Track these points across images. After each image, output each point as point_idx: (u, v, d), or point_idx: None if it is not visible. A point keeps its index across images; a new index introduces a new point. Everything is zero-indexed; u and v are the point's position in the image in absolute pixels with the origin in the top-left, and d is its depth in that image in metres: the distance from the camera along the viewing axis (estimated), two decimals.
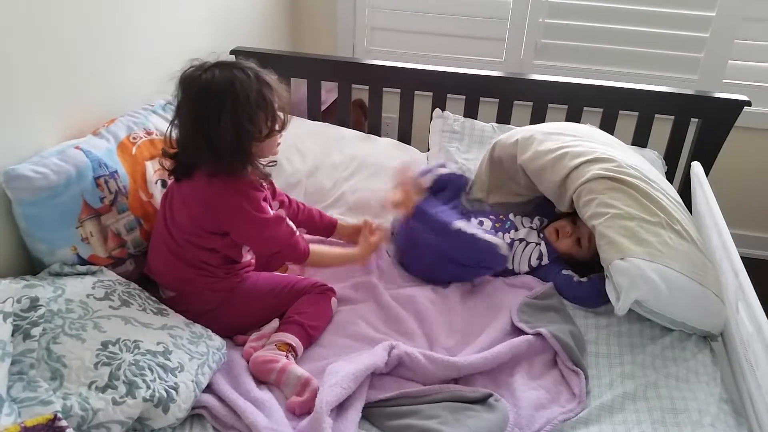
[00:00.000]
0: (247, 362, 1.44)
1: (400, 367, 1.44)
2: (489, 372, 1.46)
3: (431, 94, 2.36)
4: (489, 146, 1.99)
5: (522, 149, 1.85)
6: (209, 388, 1.35)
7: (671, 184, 2.20)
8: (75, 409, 1.12)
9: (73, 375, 1.18)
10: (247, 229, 1.49)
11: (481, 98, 2.35)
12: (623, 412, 1.38)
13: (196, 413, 1.32)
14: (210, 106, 1.38)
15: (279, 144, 1.54)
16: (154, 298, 1.48)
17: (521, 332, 1.56)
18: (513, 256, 1.82)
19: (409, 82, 2.35)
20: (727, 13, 2.54)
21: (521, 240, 1.83)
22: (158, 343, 1.30)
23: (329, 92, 2.70)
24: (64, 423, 1.03)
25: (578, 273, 1.76)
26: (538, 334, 1.53)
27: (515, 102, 2.33)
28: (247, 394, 1.34)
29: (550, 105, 2.30)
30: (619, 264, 1.53)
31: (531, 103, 2.32)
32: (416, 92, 2.37)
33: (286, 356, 1.43)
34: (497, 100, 2.35)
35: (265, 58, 2.35)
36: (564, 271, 1.76)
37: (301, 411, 1.31)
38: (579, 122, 2.17)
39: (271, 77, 1.46)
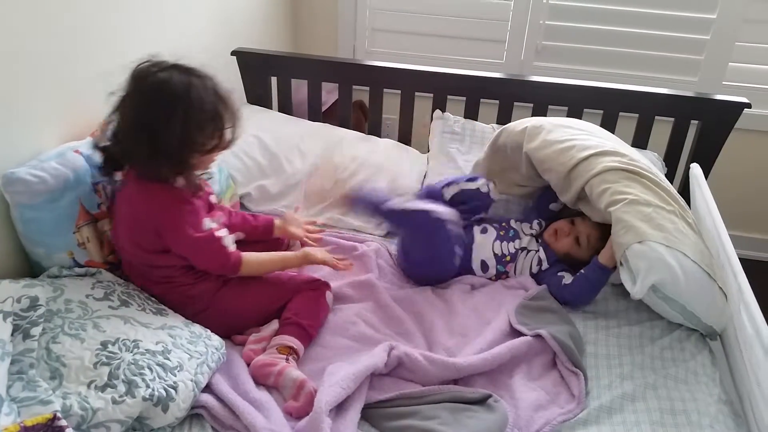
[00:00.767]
0: (248, 365, 1.44)
1: (399, 367, 1.44)
2: (488, 373, 1.47)
3: (431, 95, 2.37)
4: (495, 133, 1.98)
5: (530, 137, 1.85)
6: (208, 388, 1.35)
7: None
8: (74, 408, 1.12)
9: (73, 374, 1.18)
10: (179, 245, 1.45)
11: (482, 100, 2.35)
12: (622, 413, 1.39)
13: (195, 413, 1.32)
14: (161, 106, 1.34)
15: (214, 161, 1.50)
16: (153, 298, 1.48)
17: (520, 333, 1.56)
18: (515, 266, 1.82)
19: (410, 83, 2.35)
20: (727, 16, 2.54)
21: (523, 249, 1.83)
22: (157, 343, 1.30)
23: (330, 93, 2.70)
24: (63, 422, 1.04)
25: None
26: (538, 336, 1.53)
27: (515, 103, 2.34)
28: (246, 394, 1.34)
29: (550, 106, 2.31)
30: (637, 247, 1.52)
31: (531, 105, 2.32)
32: (417, 93, 2.37)
33: (287, 359, 1.43)
34: (497, 101, 2.35)
35: (266, 59, 2.38)
36: (559, 273, 1.76)
37: (297, 416, 1.32)
38: None
39: (225, 91, 1.42)
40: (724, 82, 2.65)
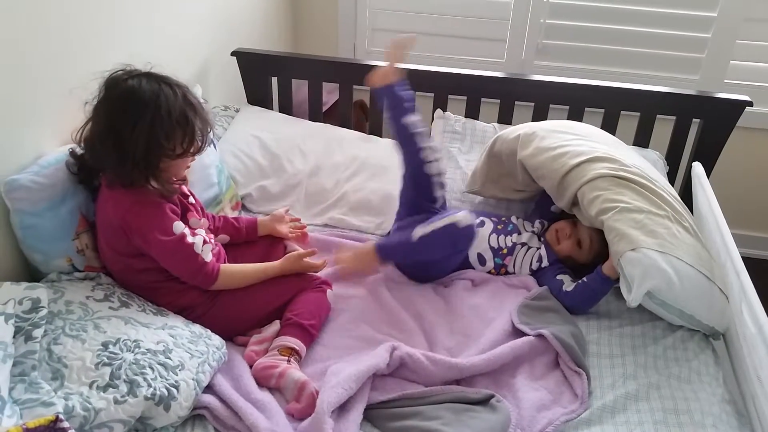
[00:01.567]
0: (250, 366, 1.44)
1: (402, 368, 1.44)
2: (491, 373, 1.46)
3: (432, 94, 2.36)
4: (490, 140, 1.99)
5: (523, 145, 1.85)
6: (210, 389, 1.35)
7: (672, 184, 2.21)
8: (77, 409, 1.12)
9: (74, 375, 1.18)
10: (149, 249, 1.43)
11: (483, 99, 2.35)
12: (625, 412, 1.38)
13: (197, 413, 1.32)
14: (129, 112, 1.36)
15: (188, 167, 1.50)
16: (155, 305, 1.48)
17: (522, 333, 1.56)
18: (514, 261, 1.82)
19: (411, 82, 2.33)
20: (728, 14, 2.54)
21: (523, 244, 1.83)
22: (158, 342, 1.30)
23: (330, 93, 2.70)
24: (66, 425, 1.03)
25: (580, 274, 1.75)
26: (540, 335, 1.53)
27: (516, 102, 2.33)
28: (248, 395, 1.34)
29: (551, 105, 2.30)
30: (630, 255, 1.52)
31: (532, 104, 2.31)
32: (417, 93, 2.36)
33: (289, 360, 1.43)
34: (498, 100, 2.35)
35: (267, 59, 2.38)
36: (558, 276, 1.75)
37: (299, 417, 1.31)
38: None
39: (196, 99, 1.44)
40: (725, 80, 2.64)
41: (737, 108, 2.17)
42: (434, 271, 1.78)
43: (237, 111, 2.37)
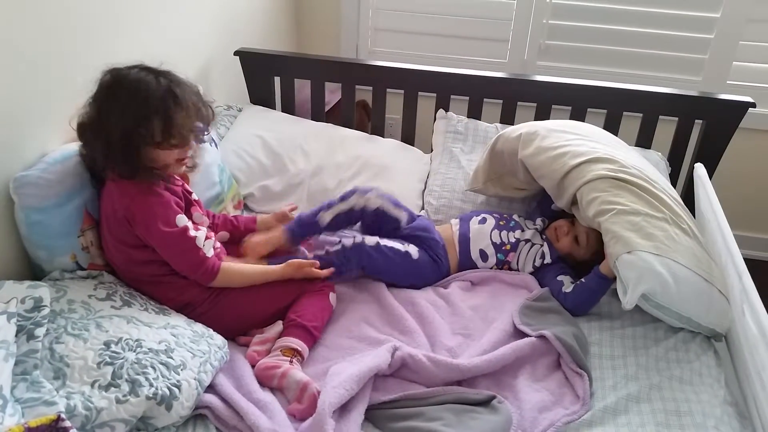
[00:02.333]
0: (252, 366, 1.44)
1: (403, 368, 1.44)
2: (492, 374, 1.46)
3: (435, 94, 2.36)
4: (492, 139, 1.99)
5: (524, 144, 1.85)
6: (212, 389, 1.35)
7: (675, 185, 2.21)
8: (79, 408, 1.12)
9: (76, 374, 1.18)
10: (151, 240, 1.44)
11: (485, 99, 2.35)
12: (627, 414, 1.38)
13: (199, 413, 1.32)
14: (111, 97, 1.38)
15: (183, 161, 1.48)
16: (155, 299, 1.48)
17: (524, 334, 1.56)
18: (518, 257, 1.82)
19: (413, 83, 2.35)
20: (731, 15, 2.53)
21: (527, 241, 1.83)
22: (160, 342, 1.30)
23: (333, 93, 2.70)
24: (67, 424, 1.04)
25: (581, 274, 1.76)
26: (542, 336, 1.53)
27: (519, 103, 2.33)
28: (249, 395, 1.34)
29: (553, 106, 2.30)
30: (626, 258, 1.52)
31: (535, 105, 2.31)
32: (420, 93, 2.37)
33: (291, 361, 1.43)
34: (501, 101, 2.35)
35: (269, 59, 2.38)
36: (560, 276, 1.75)
37: (300, 417, 1.32)
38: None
39: (188, 95, 1.43)
40: (728, 82, 2.64)
41: (740, 109, 2.16)
42: (413, 278, 1.77)
43: (240, 110, 2.37)
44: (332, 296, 1.63)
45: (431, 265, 1.78)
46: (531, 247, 1.82)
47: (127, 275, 1.50)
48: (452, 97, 2.36)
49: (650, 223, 1.58)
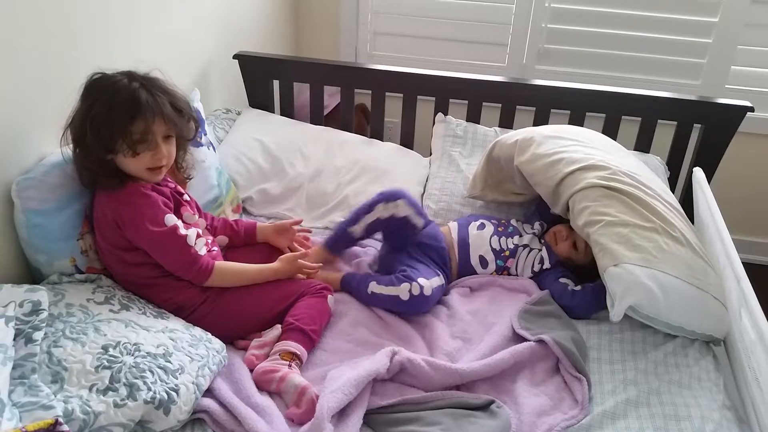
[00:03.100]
0: (250, 370, 1.43)
1: (402, 373, 1.44)
2: (491, 378, 1.46)
3: (434, 98, 2.37)
4: (489, 145, 1.99)
5: (520, 151, 1.86)
6: (210, 393, 1.35)
7: (673, 189, 2.21)
8: (76, 412, 1.12)
9: (74, 378, 1.18)
10: (141, 241, 1.44)
11: (484, 103, 2.35)
12: (626, 418, 1.38)
13: (197, 418, 1.32)
14: (81, 103, 1.40)
15: (156, 170, 1.45)
16: (153, 303, 1.48)
17: (522, 338, 1.56)
18: (517, 262, 1.82)
19: (412, 86, 2.35)
20: (729, 19, 2.54)
21: (525, 246, 1.83)
22: (158, 346, 1.30)
23: (332, 97, 2.70)
24: (65, 428, 1.03)
25: (580, 279, 1.76)
26: (540, 341, 1.53)
27: (518, 107, 2.33)
28: (248, 399, 1.33)
29: (552, 110, 2.31)
30: (612, 270, 1.53)
31: (533, 108, 2.32)
32: (419, 97, 2.37)
33: (289, 365, 1.42)
34: (500, 105, 2.35)
35: (268, 63, 2.38)
36: (561, 279, 1.75)
37: (299, 422, 1.31)
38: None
39: (149, 100, 1.39)
40: (726, 86, 2.65)
41: (738, 113, 2.17)
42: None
43: (238, 114, 2.38)
44: (331, 299, 1.62)
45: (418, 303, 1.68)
46: (529, 252, 1.82)
47: (122, 278, 1.49)
48: (451, 100, 2.37)
49: (639, 234, 1.58)
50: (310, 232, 1.87)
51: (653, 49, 2.65)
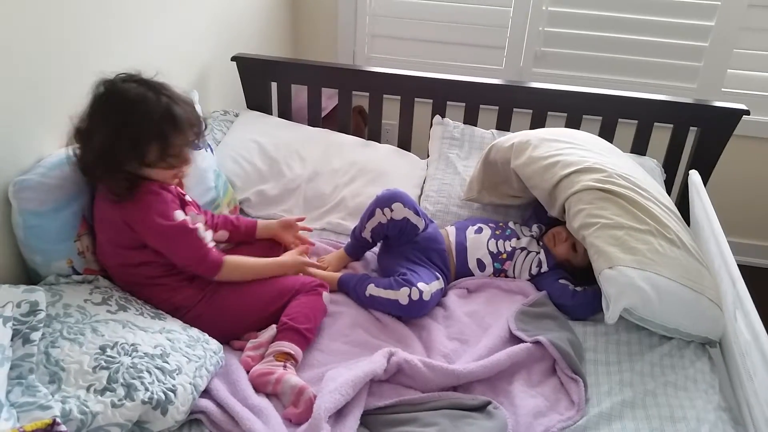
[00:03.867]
0: (247, 372, 1.43)
1: (399, 374, 1.44)
2: (488, 379, 1.46)
3: (431, 101, 2.37)
4: (486, 148, 2.00)
5: (516, 154, 1.87)
6: (207, 394, 1.35)
7: (669, 192, 2.22)
8: (74, 412, 1.12)
9: (72, 378, 1.18)
10: (152, 238, 1.45)
11: (481, 105, 2.36)
12: (622, 420, 1.38)
13: (194, 418, 1.32)
14: (105, 114, 1.39)
15: (179, 175, 1.50)
16: (150, 303, 1.48)
17: (519, 339, 1.56)
18: (514, 265, 1.83)
19: (410, 89, 2.35)
20: (726, 23, 2.55)
21: (523, 249, 1.83)
22: (156, 346, 1.30)
23: (330, 99, 2.70)
24: (63, 428, 1.03)
25: (578, 281, 1.76)
26: (537, 342, 1.53)
27: (515, 109, 2.34)
28: (245, 400, 1.34)
29: (549, 113, 2.31)
30: (607, 273, 1.54)
31: (530, 111, 2.32)
32: (416, 99, 2.38)
33: (284, 366, 1.42)
34: (497, 107, 2.36)
35: (266, 65, 2.39)
36: (561, 280, 1.76)
37: (297, 421, 1.31)
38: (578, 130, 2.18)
39: (186, 113, 1.43)
40: (722, 89, 2.66)
41: (734, 116, 2.18)
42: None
43: (236, 116, 2.38)
44: (326, 295, 1.62)
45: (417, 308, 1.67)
46: (527, 255, 1.83)
47: (121, 278, 1.50)
48: (448, 103, 2.37)
49: (633, 237, 1.59)
50: (310, 230, 1.89)
51: (650, 52, 2.66)
